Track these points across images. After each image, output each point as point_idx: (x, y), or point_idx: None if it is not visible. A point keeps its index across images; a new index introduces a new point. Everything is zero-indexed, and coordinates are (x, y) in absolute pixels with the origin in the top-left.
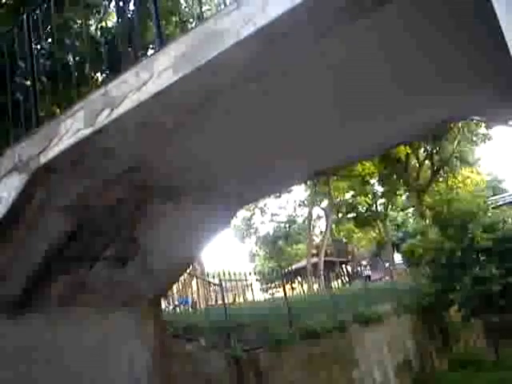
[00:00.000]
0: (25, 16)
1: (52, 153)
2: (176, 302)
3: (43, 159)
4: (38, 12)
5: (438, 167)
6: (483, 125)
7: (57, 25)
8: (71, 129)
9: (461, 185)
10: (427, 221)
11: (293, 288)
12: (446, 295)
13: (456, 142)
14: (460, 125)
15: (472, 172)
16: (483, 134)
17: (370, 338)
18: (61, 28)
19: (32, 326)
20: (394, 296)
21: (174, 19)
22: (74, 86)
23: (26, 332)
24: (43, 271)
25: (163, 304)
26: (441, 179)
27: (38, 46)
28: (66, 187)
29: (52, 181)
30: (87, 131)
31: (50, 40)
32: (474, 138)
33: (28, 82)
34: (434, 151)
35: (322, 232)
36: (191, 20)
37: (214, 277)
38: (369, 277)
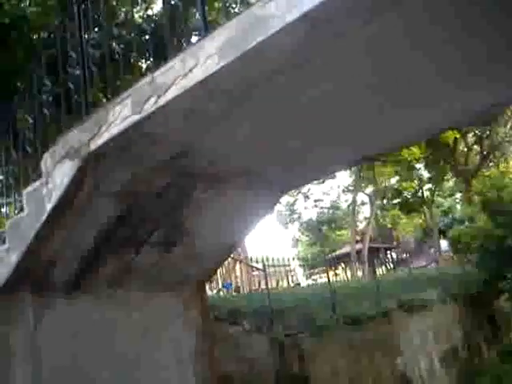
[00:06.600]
0: (75, 7)
1: (101, 139)
2: (219, 287)
3: (93, 146)
4: (86, 2)
5: (488, 152)
6: None
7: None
8: (119, 116)
9: None
10: (475, 207)
11: (336, 274)
12: (496, 283)
13: (508, 126)
14: None
15: None
16: None
17: (415, 325)
18: (108, 17)
19: (83, 306)
20: (440, 283)
21: (216, 5)
22: (121, 73)
23: (77, 311)
24: (93, 254)
25: (207, 288)
26: (491, 164)
27: (86, 36)
28: (114, 173)
29: (101, 167)
30: (135, 118)
31: (97, 29)
32: None
33: (78, 72)
34: (484, 135)
35: (366, 218)
36: (233, 5)
37: (257, 262)
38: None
